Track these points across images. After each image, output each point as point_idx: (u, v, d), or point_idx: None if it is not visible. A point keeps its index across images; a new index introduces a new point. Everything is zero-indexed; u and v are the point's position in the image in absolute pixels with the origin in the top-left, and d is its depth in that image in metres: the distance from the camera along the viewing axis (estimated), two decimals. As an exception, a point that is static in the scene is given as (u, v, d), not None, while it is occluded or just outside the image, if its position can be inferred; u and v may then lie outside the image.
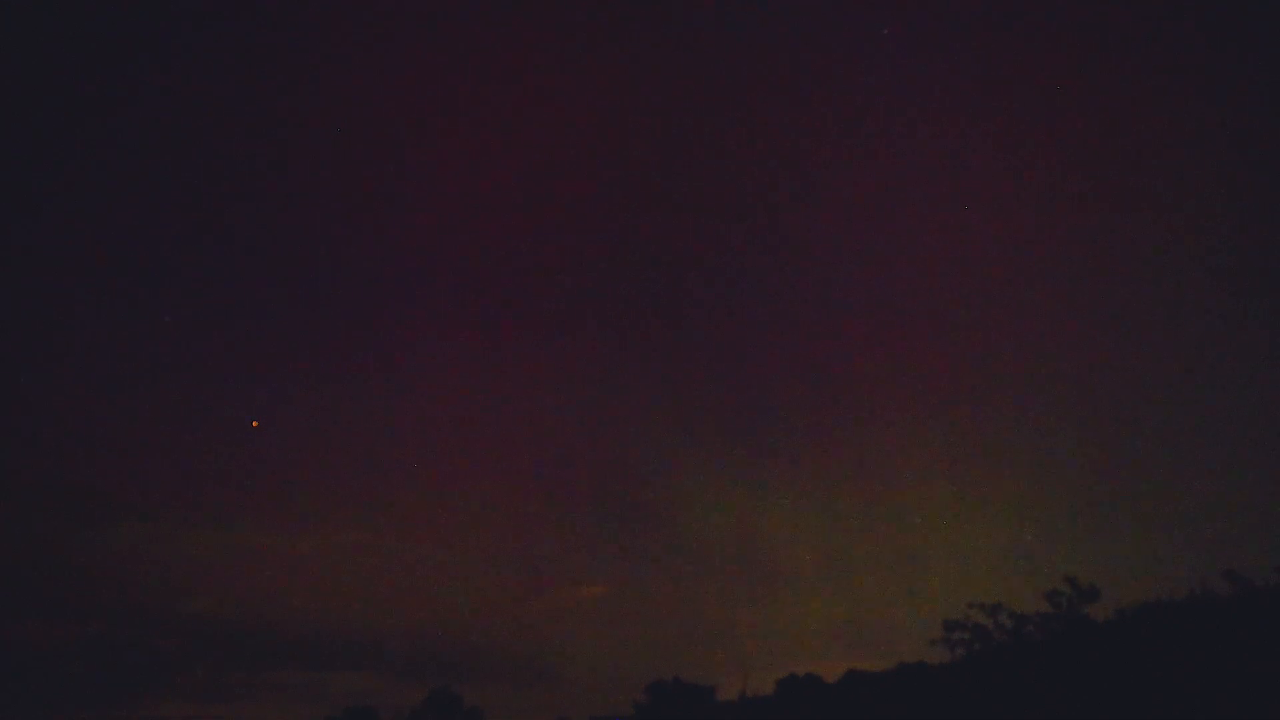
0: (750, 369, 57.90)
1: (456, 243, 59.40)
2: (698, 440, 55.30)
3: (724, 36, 56.84)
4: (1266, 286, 47.04)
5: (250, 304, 59.07)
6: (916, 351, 53.95)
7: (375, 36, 56.66)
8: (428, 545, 53.29)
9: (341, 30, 56.78)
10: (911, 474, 50.35)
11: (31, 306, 56.70)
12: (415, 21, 55.93)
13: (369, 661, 48.64)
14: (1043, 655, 23.29)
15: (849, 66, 55.84)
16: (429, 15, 55.95)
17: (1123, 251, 51.67)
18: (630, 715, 33.73)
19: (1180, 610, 21.98)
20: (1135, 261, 51.30)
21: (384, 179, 59.79)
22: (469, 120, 58.11)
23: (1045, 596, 25.40)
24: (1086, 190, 53.00)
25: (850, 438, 53.90)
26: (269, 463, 53.88)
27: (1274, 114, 48.92)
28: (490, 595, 51.40)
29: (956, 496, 47.88)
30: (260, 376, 56.55)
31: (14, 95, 54.75)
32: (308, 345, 58.63)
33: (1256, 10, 48.38)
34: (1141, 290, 51.20)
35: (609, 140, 57.58)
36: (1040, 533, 43.55)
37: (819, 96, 57.20)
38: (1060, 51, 53.30)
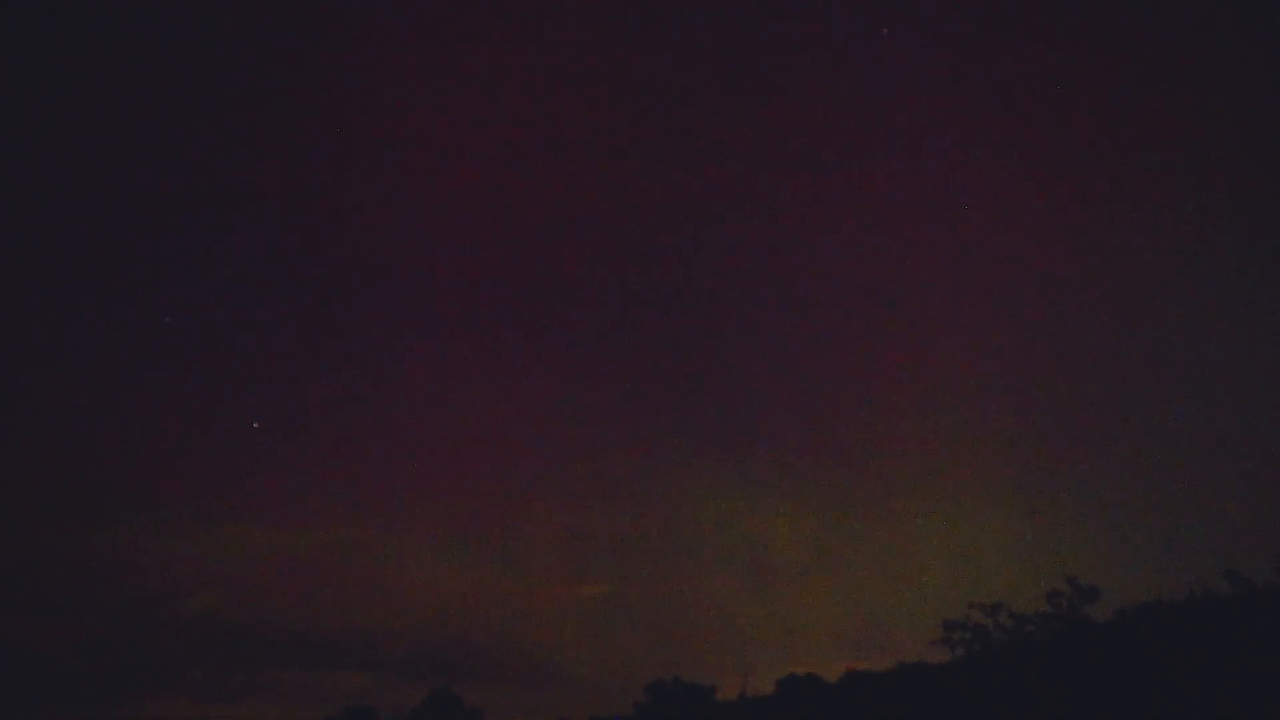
0: (751, 369, 57.90)
1: (453, 242, 59.41)
2: (698, 440, 55.32)
3: (722, 36, 56.84)
4: (1266, 287, 47.03)
5: (250, 304, 59.09)
6: (917, 352, 53.95)
7: (374, 37, 56.68)
8: (428, 544, 53.29)
9: (340, 31, 56.79)
10: (911, 474, 50.38)
11: (32, 306, 56.71)
12: (414, 22, 55.95)
13: (369, 661, 48.73)
14: (1043, 655, 23.28)
15: (848, 67, 55.83)
16: (429, 16, 55.96)
17: (1123, 251, 51.69)
18: (630, 715, 33.74)
19: (1180, 610, 21.95)
20: (1136, 261, 51.32)
21: (381, 179, 59.79)
22: (469, 120, 58.11)
23: (1045, 596, 25.39)
24: (1086, 190, 53.02)
25: (850, 438, 53.92)
26: (269, 462, 53.90)
27: (1274, 114, 48.93)
28: (490, 595, 51.40)
29: (956, 496, 47.90)
30: (259, 376, 56.57)
31: (14, 95, 54.76)
32: (308, 344, 58.63)
33: (1256, 10, 48.37)
34: (1141, 290, 51.20)
35: (608, 139, 57.57)
36: (1040, 533, 43.56)
37: (817, 97, 57.17)
38: (1060, 52, 53.32)
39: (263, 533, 52.96)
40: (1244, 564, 22.11)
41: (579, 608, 50.97)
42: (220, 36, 56.10)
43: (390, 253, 59.87)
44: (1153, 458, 47.96)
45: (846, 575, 49.11)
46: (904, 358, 54.40)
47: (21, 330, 54.92)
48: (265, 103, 58.06)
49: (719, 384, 57.97)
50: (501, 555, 52.84)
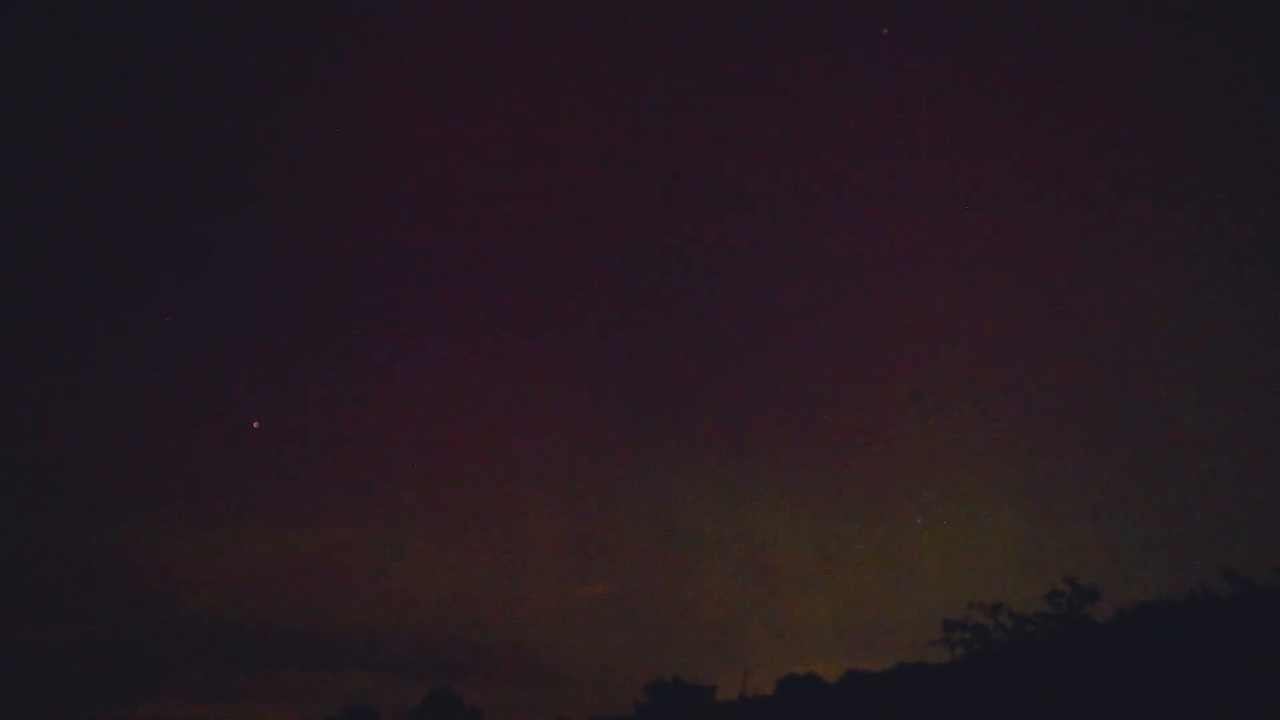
0: (751, 370, 57.92)
1: (453, 243, 59.44)
2: (698, 440, 55.34)
3: (721, 36, 56.85)
4: (1266, 287, 47.05)
5: (250, 304, 59.11)
6: (917, 352, 53.96)
7: (372, 39, 56.70)
8: (428, 545, 53.31)
9: (339, 31, 56.81)
10: (911, 474, 50.39)
11: (32, 306, 56.73)
12: (413, 23, 55.96)
13: (369, 661, 48.72)
14: (1043, 655, 23.28)
15: (848, 67, 55.84)
16: (427, 16, 55.98)
17: (1123, 251, 51.71)
18: (630, 715, 33.74)
19: (1180, 610, 21.97)
20: (1136, 262, 51.34)
21: (381, 180, 59.80)
22: (469, 122, 58.14)
23: (1045, 596, 25.41)
24: (1086, 190, 53.03)
25: (850, 438, 53.92)
26: (270, 462, 53.91)
27: (1274, 114, 48.95)
28: (490, 595, 51.41)
29: (956, 496, 47.90)
30: (259, 376, 56.58)
31: (15, 95, 54.79)
32: (308, 344, 58.65)
33: (1257, 10, 48.39)
34: (1141, 290, 51.21)
35: (608, 140, 57.58)
36: (1040, 533, 43.58)
37: (817, 96, 57.20)
38: (1061, 52, 53.34)
39: (263, 533, 53.01)
40: (1244, 564, 22.17)
41: (579, 608, 51.03)
42: (220, 37, 56.17)
43: (390, 253, 59.95)
44: (1153, 458, 47.99)
45: (846, 575, 49.14)
46: (904, 358, 54.46)
47: (22, 330, 54.98)
48: (265, 103, 58.14)
49: (719, 385, 58.05)
50: (501, 555, 52.88)
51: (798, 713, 28.35)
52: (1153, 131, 51.58)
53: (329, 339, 59.54)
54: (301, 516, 53.93)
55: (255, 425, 51.69)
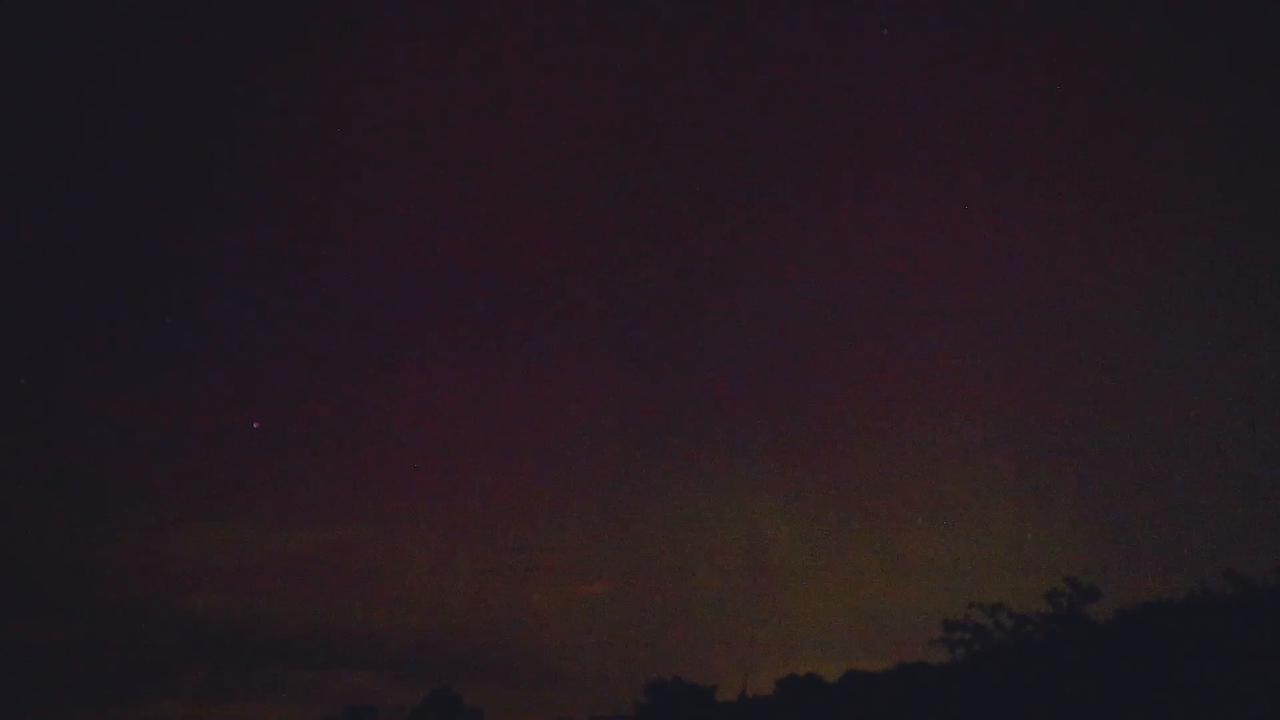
0: (751, 368, 57.89)
1: (454, 241, 59.42)
2: (698, 439, 55.30)
3: (718, 35, 56.88)
4: (1266, 286, 47.03)
5: (251, 305, 59.07)
6: (917, 351, 53.95)
7: (374, 37, 56.75)
8: (428, 544, 53.30)
9: (341, 30, 56.83)
10: (911, 474, 50.35)
11: (32, 306, 56.75)
12: (415, 23, 56.00)
13: (369, 661, 48.72)
14: (1043, 655, 23.30)
15: (847, 67, 55.85)
16: (429, 16, 56.02)
17: (1122, 251, 51.68)
18: (630, 715, 33.78)
19: (1180, 610, 22.00)
20: (1135, 261, 51.31)
21: (382, 181, 59.81)
22: (469, 122, 58.18)
23: (1045, 596, 25.41)
24: (1086, 190, 53.02)
25: (851, 438, 53.87)
26: (269, 462, 53.88)
27: (1274, 114, 48.96)
28: (490, 595, 51.42)
29: (956, 496, 47.88)
30: (259, 376, 56.59)
31: (14, 95, 54.81)
32: (309, 344, 58.62)
33: (1256, 10, 48.40)
34: (1140, 289, 51.20)
35: (603, 138, 57.60)
36: (1040, 533, 43.53)
37: (815, 96, 57.22)
38: (1061, 52, 53.34)
39: (263, 533, 52.97)
40: (1244, 564, 22.19)
41: (579, 608, 51.03)
42: (221, 35, 56.17)
43: (390, 253, 59.88)
44: (1153, 458, 47.93)
45: (846, 575, 49.07)
46: (904, 357, 54.42)
47: (22, 330, 54.99)
48: (267, 102, 58.10)
49: (719, 384, 57.98)
50: (501, 555, 52.89)
51: (798, 713, 28.38)
52: (1155, 132, 51.61)
53: (330, 339, 59.51)
54: (301, 516, 53.90)
55: (255, 425, 51.70)
